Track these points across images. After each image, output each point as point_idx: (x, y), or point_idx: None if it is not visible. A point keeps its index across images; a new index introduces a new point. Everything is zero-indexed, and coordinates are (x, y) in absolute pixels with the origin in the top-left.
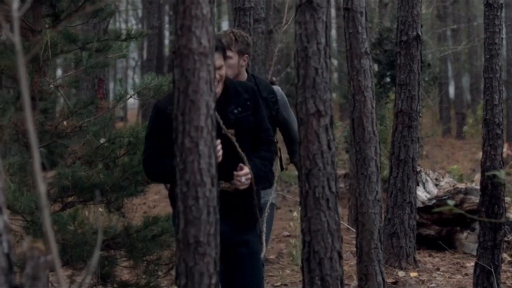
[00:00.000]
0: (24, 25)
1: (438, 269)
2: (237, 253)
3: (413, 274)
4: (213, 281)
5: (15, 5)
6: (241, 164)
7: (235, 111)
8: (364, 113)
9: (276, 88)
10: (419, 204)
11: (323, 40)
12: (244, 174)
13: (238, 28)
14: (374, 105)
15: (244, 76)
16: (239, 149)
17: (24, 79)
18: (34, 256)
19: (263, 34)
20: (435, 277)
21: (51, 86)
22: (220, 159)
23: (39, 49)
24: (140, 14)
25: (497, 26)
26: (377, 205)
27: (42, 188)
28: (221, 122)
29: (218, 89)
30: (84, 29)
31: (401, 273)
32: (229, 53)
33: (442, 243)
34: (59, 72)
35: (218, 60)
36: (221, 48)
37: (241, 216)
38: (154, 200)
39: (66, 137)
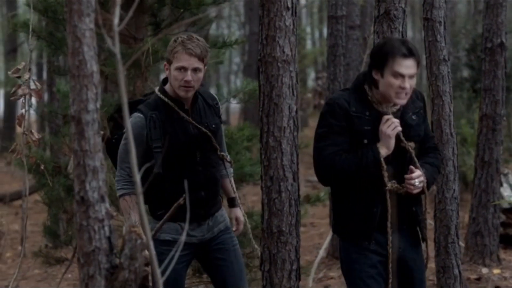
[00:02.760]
0: (127, 33)
1: None
2: (407, 267)
3: (496, 271)
4: (294, 267)
5: (116, 20)
6: (411, 167)
7: (413, 117)
8: (442, 116)
9: None
10: (506, 205)
11: None
12: (417, 176)
13: (330, 36)
14: (451, 109)
15: None
16: (417, 163)
17: (123, 84)
18: (132, 239)
19: (358, 41)
20: None
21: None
22: (398, 129)
23: (140, 55)
24: (242, 19)
25: None
26: (454, 202)
27: (137, 178)
28: (401, 134)
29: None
30: None
31: (484, 270)
32: (200, 66)
33: None
34: (162, 76)
35: (414, 69)
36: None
37: (409, 229)
38: (253, 202)
39: None
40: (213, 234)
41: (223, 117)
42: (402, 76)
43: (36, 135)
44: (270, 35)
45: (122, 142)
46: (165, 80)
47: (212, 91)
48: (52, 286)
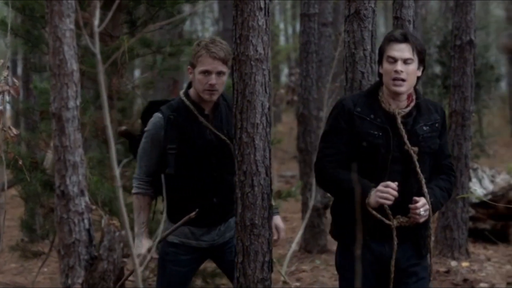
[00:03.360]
0: (104, 31)
1: (489, 260)
2: (406, 283)
3: (464, 264)
4: (267, 259)
5: (96, 22)
6: (415, 198)
7: (424, 128)
8: None
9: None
10: (475, 200)
11: (369, 47)
12: (422, 205)
13: (302, 34)
14: None
15: None
16: (419, 170)
17: (103, 84)
18: (111, 231)
19: (330, 38)
20: (485, 267)
21: (129, 87)
22: (386, 202)
23: (117, 53)
24: (216, 15)
25: None
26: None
27: (116, 173)
28: (405, 136)
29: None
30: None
31: (453, 263)
32: (224, 69)
33: (497, 236)
34: (137, 73)
35: (408, 53)
36: (413, 42)
37: (411, 243)
38: None
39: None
40: (225, 239)
41: None
42: (394, 60)
43: (14, 131)
44: (243, 35)
45: (142, 140)
46: (191, 84)
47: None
48: (28, 279)
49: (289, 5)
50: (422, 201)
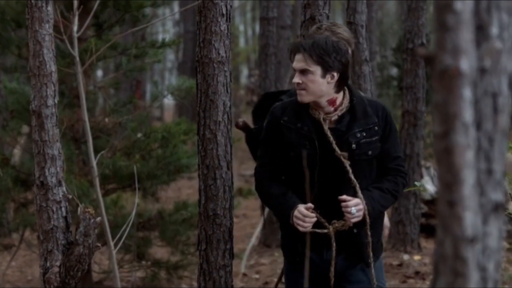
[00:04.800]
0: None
1: None
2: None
3: (416, 257)
4: (228, 246)
5: (75, 27)
6: (344, 196)
7: (358, 134)
8: None
9: None
10: (428, 197)
11: None
12: (355, 204)
13: (262, 37)
14: None
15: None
16: (352, 176)
17: (82, 83)
18: (86, 218)
19: (289, 40)
20: None
21: (95, 87)
22: (307, 227)
23: (84, 54)
24: (177, 17)
25: None
26: None
27: (93, 163)
28: (333, 143)
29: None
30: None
31: (405, 257)
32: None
33: None
34: (99, 73)
35: (302, 63)
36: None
37: (349, 251)
38: (188, 194)
39: (108, 132)
40: None
41: (157, 114)
42: (294, 70)
43: None
44: (206, 39)
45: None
46: None
47: (149, 88)
48: None
49: (249, 7)
50: (354, 200)
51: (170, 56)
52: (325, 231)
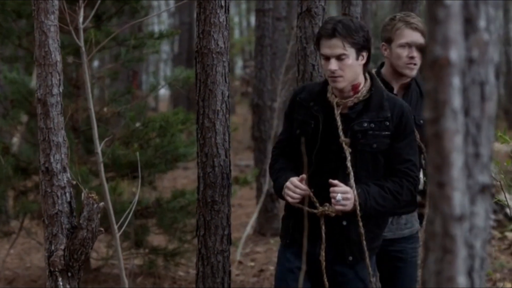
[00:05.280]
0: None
1: None
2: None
3: None
4: (226, 232)
5: (81, 19)
6: (335, 181)
7: (366, 124)
8: None
9: None
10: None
11: None
12: (343, 191)
13: (257, 28)
14: None
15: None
16: (349, 163)
17: (88, 73)
18: (90, 203)
19: (284, 32)
20: None
21: (94, 77)
22: (297, 198)
23: (84, 45)
24: (172, 8)
25: None
26: None
27: (99, 149)
28: (339, 127)
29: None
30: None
31: None
32: (423, 43)
33: None
34: (95, 63)
35: (338, 49)
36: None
37: (337, 245)
38: (183, 184)
39: (106, 121)
40: (394, 236)
41: (152, 104)
42: (327, 57)
43: None
44: (206, 30)
45: None
46: (382, 64)
47: (145, 79)
48: None
49: None
50: (343, 187)
51: (165, 47)
52: (314, 211)
